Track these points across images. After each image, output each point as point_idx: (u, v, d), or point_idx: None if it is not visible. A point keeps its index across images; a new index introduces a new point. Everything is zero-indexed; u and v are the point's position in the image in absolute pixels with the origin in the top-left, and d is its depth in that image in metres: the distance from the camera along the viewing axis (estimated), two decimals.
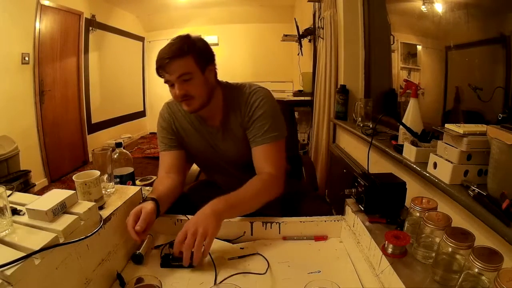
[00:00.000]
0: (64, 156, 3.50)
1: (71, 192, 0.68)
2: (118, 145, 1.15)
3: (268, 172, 0.96)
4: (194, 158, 1.17)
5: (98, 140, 4.17)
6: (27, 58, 2.90)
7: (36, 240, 0.55)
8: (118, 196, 0.85)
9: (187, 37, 0.96)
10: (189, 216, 0.90)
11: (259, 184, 0.92)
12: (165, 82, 0.96)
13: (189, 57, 0.92)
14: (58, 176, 3.37)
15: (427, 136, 1.01)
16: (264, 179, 0.94)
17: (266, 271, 0.76)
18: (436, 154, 0.85)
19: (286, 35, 3.67)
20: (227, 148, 1.06)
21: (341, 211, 0.92)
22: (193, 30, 5.31)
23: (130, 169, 1.16)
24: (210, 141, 1.07)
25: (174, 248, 0.74)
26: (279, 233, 0.90)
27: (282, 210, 1.00)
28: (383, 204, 0.80)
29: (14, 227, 0.59)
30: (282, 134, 1.02)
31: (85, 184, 0.73)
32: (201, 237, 0.72)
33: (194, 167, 1.35)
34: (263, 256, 0.81)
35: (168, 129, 1.08)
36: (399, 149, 1.09)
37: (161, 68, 0.93)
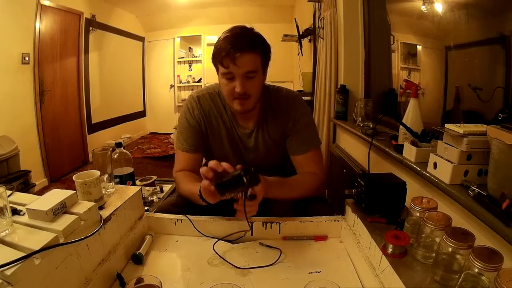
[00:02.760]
0: (64, 156, 3.50)
1: (71, 192, 0.68)
2: (118, 145, 1.16)
3: (315, 172, 1.02)
4: (212, 157, 1.09)
5: (98, 140, 4.17)
6: (27, 58, 2.90)
7: (36, 240, 0.55)
8: (118, 196, 0.85)
9: (253, 30, 0.89)
10: (190, 216, 0.90)
11: (307, 178, 0.99)
12: (223, 74, 0.88)
13: (258, 53, 0.88)
14: (58, 176, 3.37)
15: (427, 136, 1.01)
16: (312, 176, 1.00)
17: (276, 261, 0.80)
18: (436, 154, 0.85)
19: (286, 35, 3.67)
20: (256, 150, 1.03)
21: (341, 211, 0.92)
22: (193, 30, 5.34)
23: (130, 169, 1.16)
24: (239, 142, 1.03)
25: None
26: (279, 233, 0.89)
27: (293, 211, 0.98)
28: (383, 204, 0.80)
29: (14, 227, 0.59)
30: (320, 139, 1.07)
31: (85, 184, 0.73)
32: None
33: None
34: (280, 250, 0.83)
35: (196, 128, 1.01)
36: (399, 149, 1.09)
37: (229, 58, 0.84)
